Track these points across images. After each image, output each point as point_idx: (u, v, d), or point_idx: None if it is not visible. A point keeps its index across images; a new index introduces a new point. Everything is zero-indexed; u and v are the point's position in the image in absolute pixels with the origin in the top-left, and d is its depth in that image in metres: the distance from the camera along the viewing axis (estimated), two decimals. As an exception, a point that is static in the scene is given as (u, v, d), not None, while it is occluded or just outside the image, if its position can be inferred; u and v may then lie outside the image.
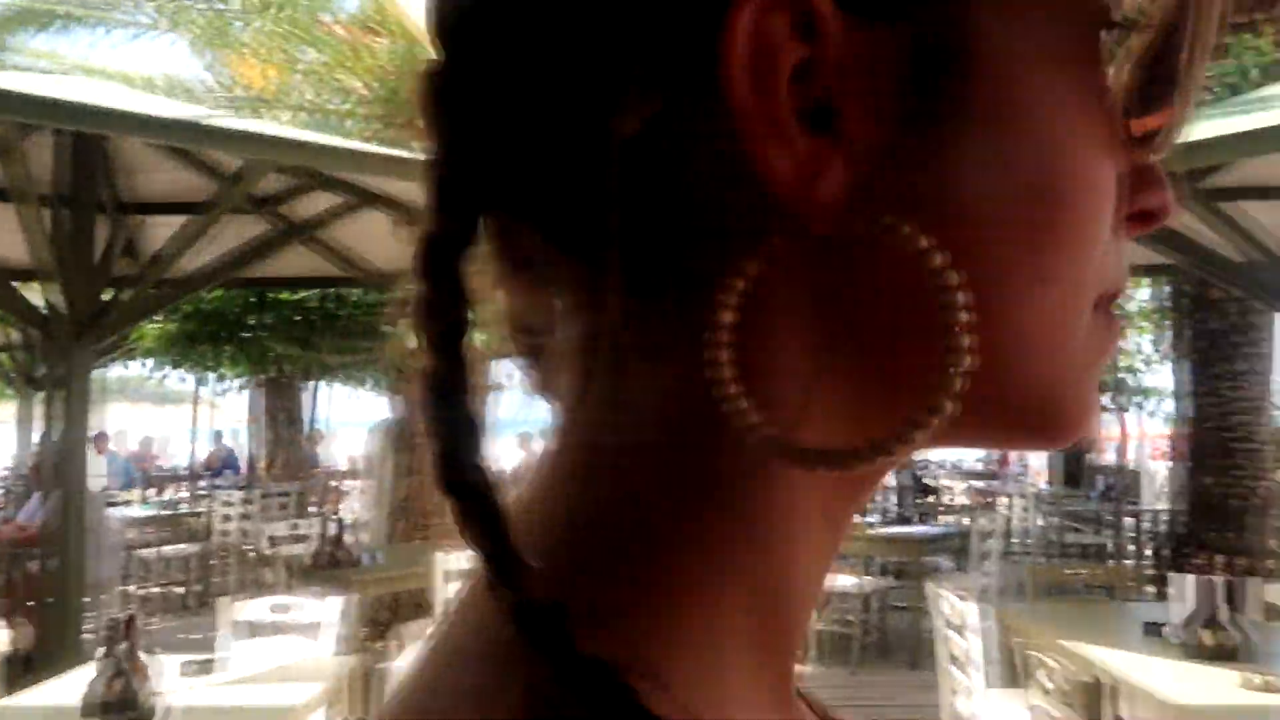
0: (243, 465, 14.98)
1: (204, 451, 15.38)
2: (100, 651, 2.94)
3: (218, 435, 15.48)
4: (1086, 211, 0.29)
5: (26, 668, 4.58)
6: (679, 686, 0.26)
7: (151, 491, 12.73)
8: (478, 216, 0.30)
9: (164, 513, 9.59)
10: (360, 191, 5.03)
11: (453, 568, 5.51)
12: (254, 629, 3.94)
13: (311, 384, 13.56)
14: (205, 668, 3.37)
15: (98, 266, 4.97)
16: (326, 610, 3.95)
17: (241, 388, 14.40)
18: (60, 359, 4.67)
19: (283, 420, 12.57)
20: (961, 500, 12.29)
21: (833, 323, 0.28)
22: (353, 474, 13.18)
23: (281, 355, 8.26)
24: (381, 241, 5.54)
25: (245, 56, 8.24)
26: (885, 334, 0.28)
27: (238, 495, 10.09)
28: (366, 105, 6.94)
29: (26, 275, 5.08)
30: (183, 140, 4.21)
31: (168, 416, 22.05)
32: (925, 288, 0.26)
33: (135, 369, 13.69)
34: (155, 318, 8.41)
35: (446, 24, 0.30)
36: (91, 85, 6.14)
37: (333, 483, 11.93)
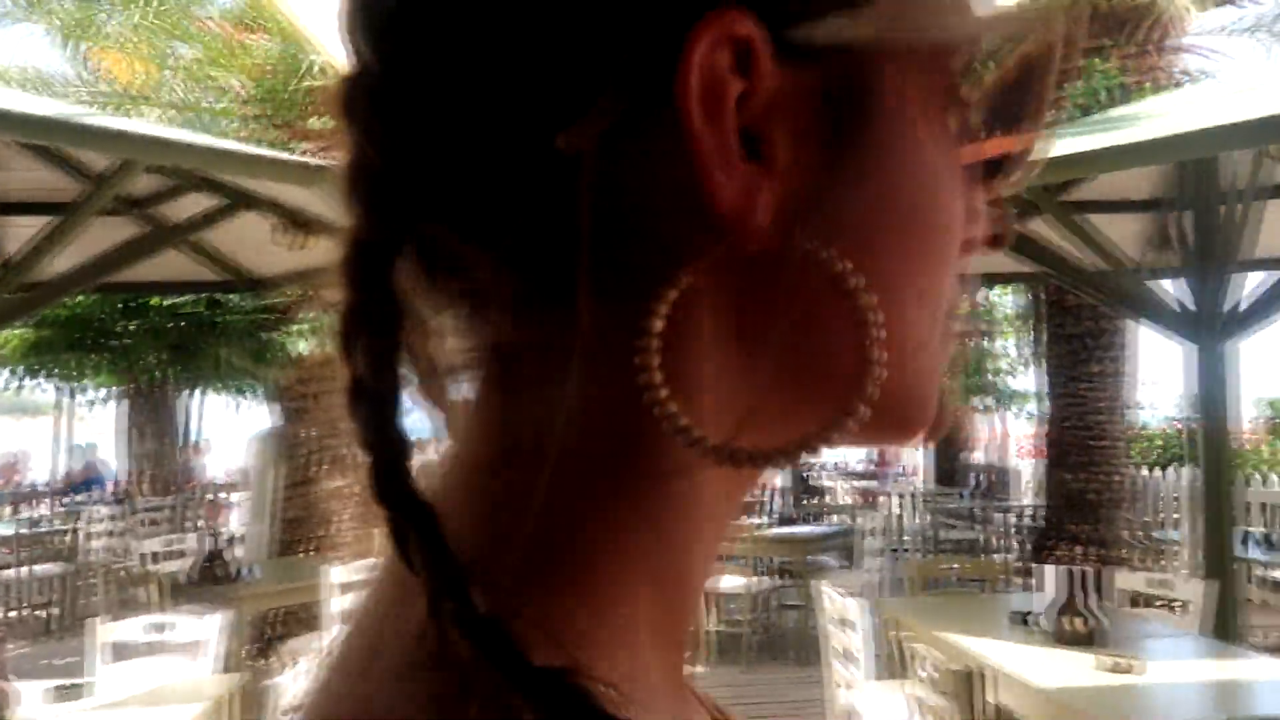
0: (110, 480, 14.24)
1: (68, 466, 14.56)
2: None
3: (82, 449, 14.67)
4: (950, 237, 0.33)
5: None
6: (606, 682, 0.27)
7: (10, 509, 11.99)
8: (412, 224, 0.30)
9: (26, 531, 9.03)
10: (237, 193, 4.87)
11: (345, 579, 5.39)
12: (127, 650, 3.77)
13: (185, 394, 13.01)
14: (73, 693, 3.21)
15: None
16: (205, 628, 3.81)
17: (108, 399, 13.69)
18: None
19: (153, 432, 12.01)
20: (846, 500, 12.67)
21: (756, 334, 0.30)
22: (231, 487, 12.70)
23: (153, 364, 7.90)
24: (260, 245, 5.37)
25: (112, 50, 7.88)
26: (804, 345, 0.31)
27: (106, 511, 9.59)
28: (244, 104, 6.73)
29: None
30: (48, 137, 4.00)
31: (28, 430, 20.78)
32: (842, 305, 0.29)
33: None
34: (15, 325, 7.93)
35: (380, 24, 0.31)
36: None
37: (210, 496, 11.48)
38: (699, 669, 6.70)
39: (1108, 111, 5.16)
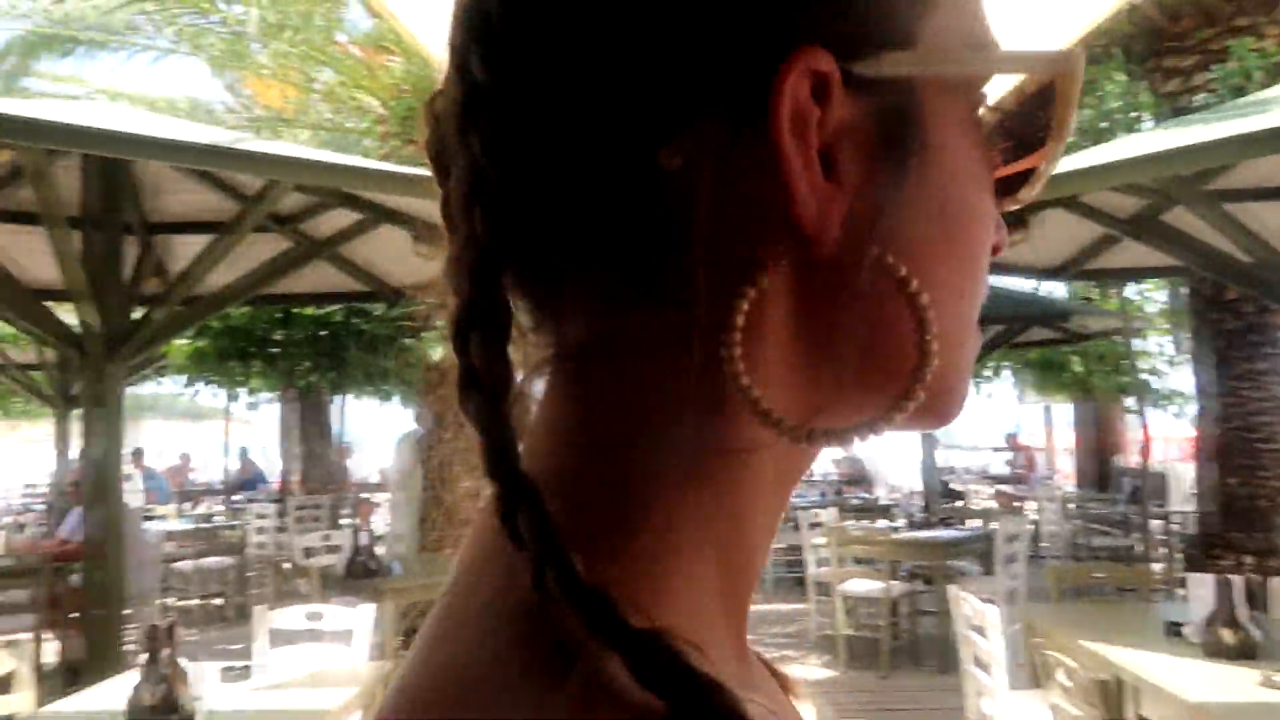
0: (274, 479, 15.16)
1: (235, 466, 15.60)
2: (142, 659, 3.03)
3: (243, 451, 15.68)
4: (983, 242, 0.37)
5: (74, 677, 4.71)
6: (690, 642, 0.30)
7: (187, 505, 12.93)
8: (523, 231, 0.34)
9: (200, 526, 9.74)
10: (378, 208, 5.13)
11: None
12: (289, 637, 4.03)
13: (335, 398, 13.72)
14: (243, 674, 3.46)
15: (127, 286, 5.10)
16: (357, 618, 4.04)
17: (269, 403, 14.60)
18: (94, 377, 4.79)
19: (308, 435, 12.70)
20: (987, 504, 12.25)
21: (829, 329, 0.34)
22: (381, 486, 13.31)
23: (305, 370, 8.39)
24: (400, 257, 5.64)
25: (264, 77, 8.41)
26: (870, 339, 0.35)
27: (271, 508, 10.24)
28: (381, 124, 7.07)
29: (59, 296, 5.21)
30: (205, 163, 4.33)
31: (201, 432, 22.33)
32: (903, 305, 0.34)
33: (169, 386, 13.93)
34: (184, 335, 8.56)
35: (496, 46, 0.34)
36: (115, 110, 6.29)
37: (363, 495, 12.06)
38: (834, 673, 6.62)
39: (1262, 92, 4.81)
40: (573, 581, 0.29)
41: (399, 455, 8.88)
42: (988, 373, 12.85)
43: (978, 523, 8.60)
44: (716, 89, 0.32)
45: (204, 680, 3.22)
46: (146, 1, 7.36)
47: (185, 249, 5.61)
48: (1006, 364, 12.86)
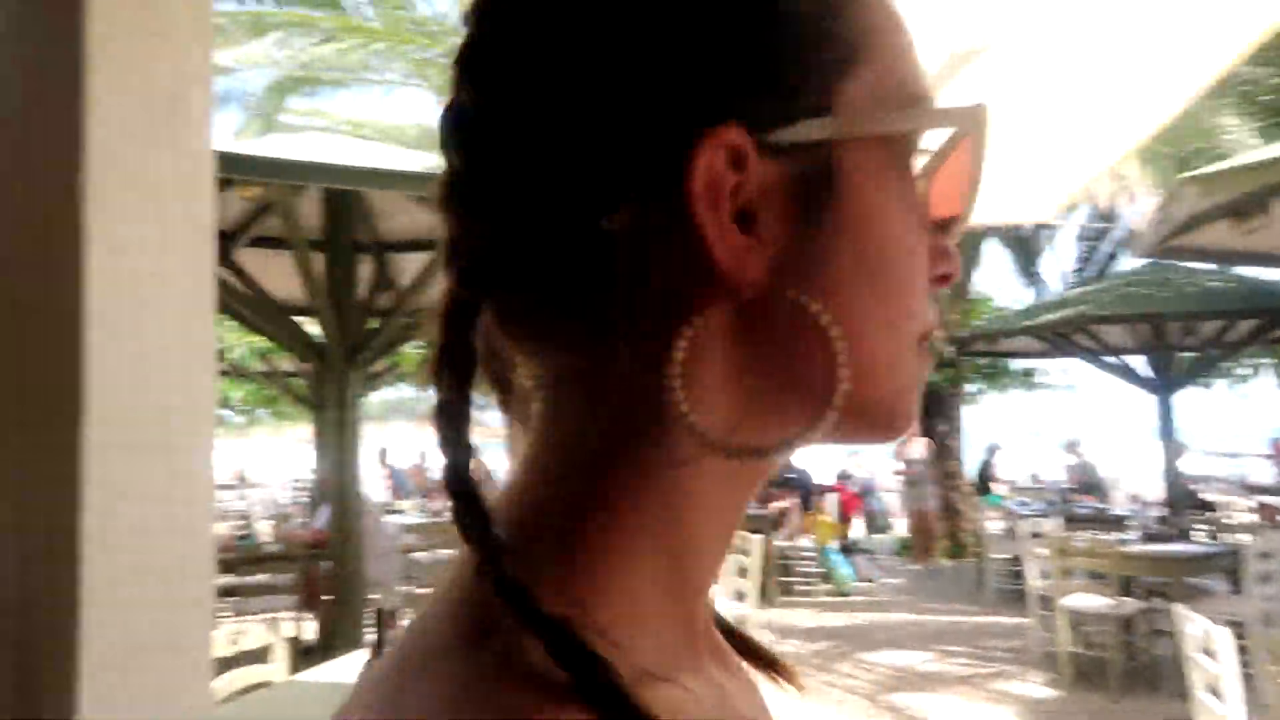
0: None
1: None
2: (371, 638, 3.36)
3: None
4: (910, 279, 0.42)
5: (320, 653, 5.25)
6: (609, 628, 0.36)
7: (420, 502, 13.96)
8: (491, 288, 0.41)
9: (434, 520, 10.51)
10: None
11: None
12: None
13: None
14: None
15: (362, 301, 5.63)
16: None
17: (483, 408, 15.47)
18: (334, 383, 5.33)
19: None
20: (1246, 517, 11.05)
21: (753, 361, 0.40)
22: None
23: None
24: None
25: None
26: (788, 368, 0.40)
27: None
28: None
29: (304, 311, 5.82)
30: (416, 188, 4.72)
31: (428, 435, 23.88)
32: (816, 339, 0.39)
33: (408, 391, 15.11)
34: (408, 346, 9.31)
35: (463, 138, 0.41)
36: (350, 142, 6.95)
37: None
38: (1058, 692, 6.23)
39: None
40: (500, 573, 0.36)
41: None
42: (1244, 371, 11.56)
43: (1229, 537, 7.81)
44: (645, 167, 0.38)
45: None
46: (378, 42, 8.05)
47: (411, 265, 6.12)
48: (1268, 360, 11.51)
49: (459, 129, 0.42)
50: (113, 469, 1.26)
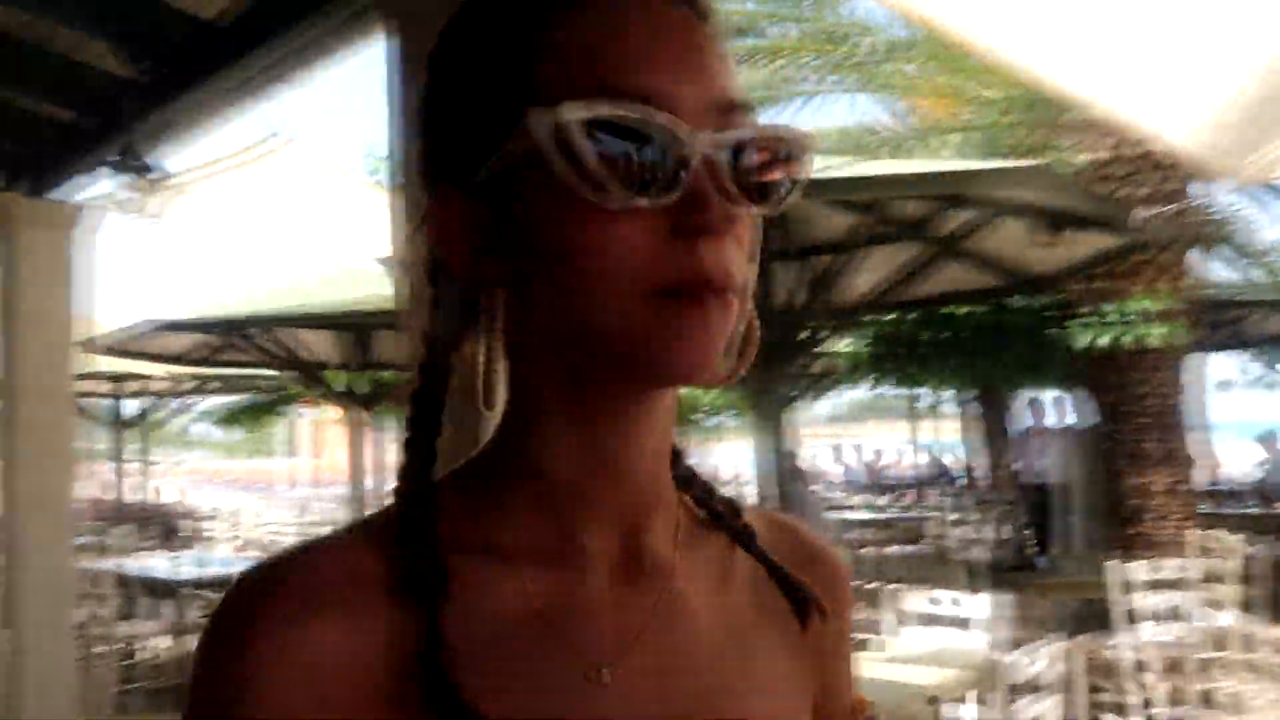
0: (956, 477, 15.62)
1: (922, 463, 16.42)
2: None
3: (929, 448, 16.40)
4: (585, 270, 0.51)
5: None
6: (479, 528, 0.56)
7: (878, 498, 14.07)
8: (456, 345, 0.58)
9: (877, 517, 10.59)
10: (994, 203, 5.18)
11: (1133, 578, 5.23)
12: (918, 618, 4.33)
13: (1014, 394, 13.55)
14: (860, 645, 3.87)
15: (783, 306, 5.93)
16: (980, 607, 4.16)
17: (953, 401, 15.07)
18: (756, 385, 5.71)
19: (992, 430, 12.79)
20: None
21: (520, 336, 0.56)
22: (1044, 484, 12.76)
23: (959, 369, 8.58)
24: (1023, 248, 5.56)
25: (924, 96, 8.93)
26: (535, 335, 0.55)
27: (947, 503, 10.67)
28: (1007, 113, 6.99)
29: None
30: (827, 193, 4.90)
31: (896, 431, 23.88)
32: (527, 313, 0.55)
33: (855, 391, 15.29)
34: (844, 344, 9.43)
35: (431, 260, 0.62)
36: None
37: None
38: None
39: None
40: (402, 482, 0.58)
41: (1066, 450, 8.58)
42: None
43: None
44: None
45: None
46: (802, 53, 8.38)
47: (828, 266, 6.29)
48: None
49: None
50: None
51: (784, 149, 0.55)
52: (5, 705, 4.33)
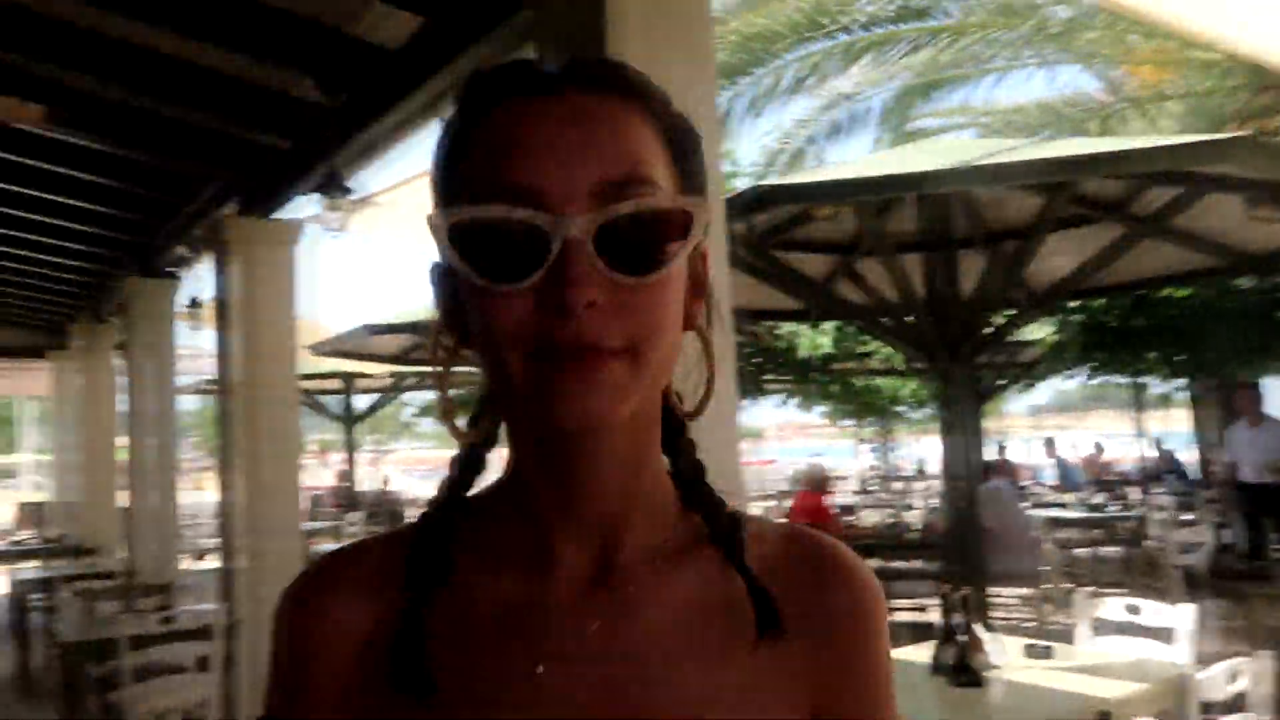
0: (1187, 472, 14.31)
1: (1151, 457, 15.16)
2: (941, 622, 3.50)
3: (1158, 440, 15.11)
4: (487, 332, 0.60)
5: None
6: (483, 535, 0.68)
7: (1094, 495, 13.09)
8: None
9: (1087, 515, 9.88)
10: (1200, 178, 4.75)
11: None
12: (1113, 626, 4.05)
13: (1261, 380, 12.26)
14: (1041, 652, 3.66)
15: (968, 295, 5.69)
16: (1178, 616, 3.85)
17: (1185, 390, 13.82)
18: (945, 379, 5.51)
19: (1216, 422, 11.67)
20: None
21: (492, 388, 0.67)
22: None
23: (1175, 356, 7.87)
24: (1240, 224, 5.06)
25: (1143, 64, 8.32)
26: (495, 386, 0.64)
27: (1171, 500, 9.82)
28: (1230, 78, 6.35)
29: (906, 311, 6.06)
30: (997, 181, 4.66)
31: (1108, 421, 22.18)
32: (490, 372, 0.63)
33: (1052, 383, 14.34)
34: (1044, 331, 8.89)
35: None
36: (953, 141, 6.98)
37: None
38: None
39: None
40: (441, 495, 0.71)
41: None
42: None
43: None
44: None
45: (1005, 652, 3.54)
46: (989, 29, 7.98)
47: (1024, 254, 5.96)
48: None
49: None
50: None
51: (665, 219, 0.60)
52: (249, 672, 4.87)
